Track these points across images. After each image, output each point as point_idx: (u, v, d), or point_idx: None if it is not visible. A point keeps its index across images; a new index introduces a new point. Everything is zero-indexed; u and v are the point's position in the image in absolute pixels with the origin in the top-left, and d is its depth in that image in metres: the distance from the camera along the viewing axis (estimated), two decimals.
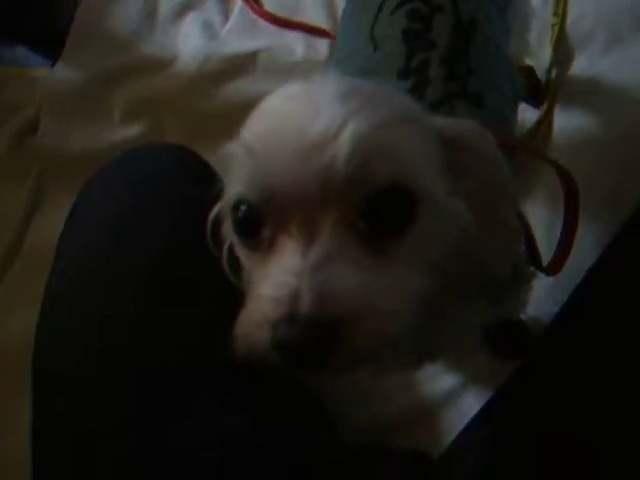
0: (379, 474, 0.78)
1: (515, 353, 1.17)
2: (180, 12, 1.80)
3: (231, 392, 0.79)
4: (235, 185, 0.59)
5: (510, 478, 0.86)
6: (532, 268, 0.90)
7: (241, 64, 1.65)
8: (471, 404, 1.17)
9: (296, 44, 1.66)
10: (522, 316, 1.15)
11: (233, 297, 0.63)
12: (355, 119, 0.54)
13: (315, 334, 0.50)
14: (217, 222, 0.68)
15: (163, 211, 0.88)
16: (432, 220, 0.57)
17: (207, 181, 0.66)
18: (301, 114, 0.55)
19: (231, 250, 0.68)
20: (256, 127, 0.59)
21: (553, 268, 0.89)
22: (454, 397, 1.19)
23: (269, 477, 0.74)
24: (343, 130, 0.53)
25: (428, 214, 0.57)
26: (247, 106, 1.63)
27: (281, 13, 1.73)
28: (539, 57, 1.44)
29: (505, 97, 0.92)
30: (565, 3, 1.48)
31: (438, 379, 1.20)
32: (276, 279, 0.54)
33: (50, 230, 1.00)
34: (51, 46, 1.77)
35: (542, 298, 1.16)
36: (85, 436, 0.75)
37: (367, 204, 0.54)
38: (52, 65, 1.75)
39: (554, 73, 1.43)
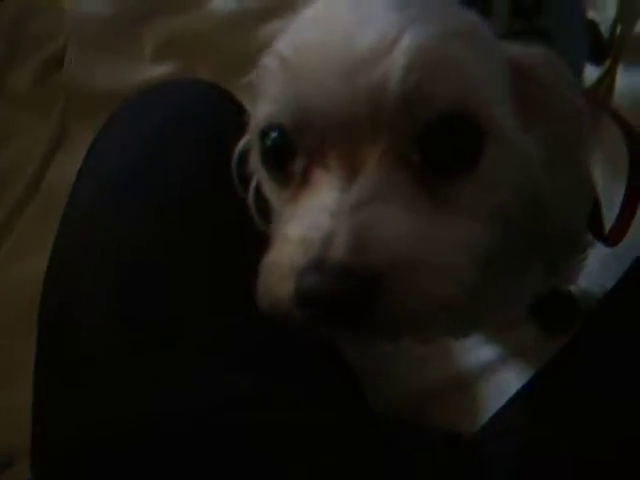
0: (409, 454, 0.75)
1: (562, 327, 1.09)
2: None
3: (253, 352, 0.74)
4: (265, 106, 0.50)
5: (548, 467, 0.80)
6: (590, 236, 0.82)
7: (281, 5, 1.56)
8: (510, 380, 1.10)
9: None
10: (572, 288, 1.10)
11: (260, 244, 0.52)
12: (413, 30, 0.45)
13: (348, 287, 0.41)
14: (243, 157, 0.60)
15: (185, 153, 0.83)
16: (500, 158, 0.48)
17: (237, 121, 0.59)
18: (348, 22, 0.46)
19: (259, 189, 0.59)
20: (294, 36, 0.50)
21: (613, 238, 0.81)
22: (492, 371, 1.13)
23: (291, 442, 0.70)
24: (398, 42, 0.44)
25: (496, 150, 0.48)
26: None
27: None
28: (604, 11, 1.38)
29: (577, 40, 0.85)
30: None
31: (476, 350, 1.15)
32: (307, 219, 0.45)
33: (71, 168, 0.95)
34: None
35: (595, 270, 1.09)
36: (92, 391, 0.72)
37: (425, 132, 0.46)
38: None
39: (619, 29, 1.34)
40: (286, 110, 0.48)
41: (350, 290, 0.41)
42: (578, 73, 0.87)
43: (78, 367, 0.73)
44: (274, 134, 0.49)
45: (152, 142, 0.85)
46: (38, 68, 1.62)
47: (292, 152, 0.49)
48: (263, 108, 0.50)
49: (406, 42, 0.44)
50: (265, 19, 1.56)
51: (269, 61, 0.49)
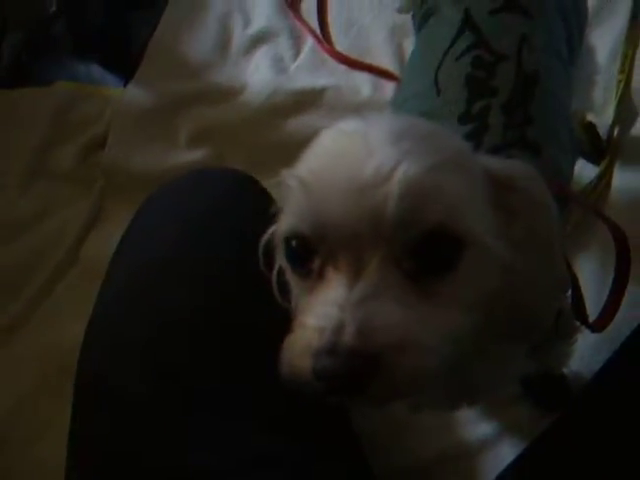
0: None
1: (555, 407, 1.17)
2: (252, 45, 1.83)
3: (270, 418, 0.81)
4: (289, 217, 0.61)
5: None
6: (577, 322, 0.89)
7: (307, 100, 1.66)
8: (506, 454, 1.16)
9: (363, 84, 1.68)
10: (565, 370, 1.14)
11: (280, 321, 0.64)
12: (407, 161, 0.55)
13: (356, 365, 0.52)
14: (269, 245, 0.69)
15: (216, 242, 0.90)
16: (478, 262, 0.59)
17: (264, 208, 0.68)
18: (354, 153, 0.57)
19: (280, 273, 0.70)
20: (311, 162, 0.60)
21: (599, 325, 0.88)
22: (489, 445, 1.18)
23: None
24: (395, 172, 0.55)
25: (474, 256, 0.58)
26: (310, 141, 1.66)
27: (351, 54, 1.74)
28: (603, 114, 1.44)
29: (563, 150, 0.92)
30: (632, 60, 1.48)
31: (476, 424, 1.20)
32: (321, 310, 0.56)
33: (106, 245, 1.02)
34: (125, 67, 1.83)
35: (586, 354, 1.16)
36: (122, 459, 0.77)
37: (415, 245, 0.56)
38: (124, 85, 1.81)
39: (616, 131, 1.43)
40: (306, 223, 0.58)
41: (358, 368, 0.52)
42: (566, 178, 0.94)
43: (115, 428, 0.78)
44: (296, 240, 0.61)
45: (186, 229, 0.90)
46: (80, 149, 1.71)
47: (311, 253, 0.60)
48: (287, 219, 0.61)
49: (401, 173, 0.54)
50: (291, 113, 1.65)
51: (291, 181, 0.59)
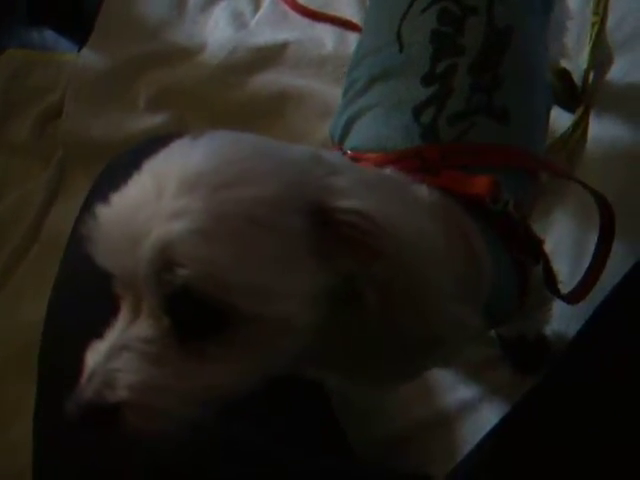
0: None
1: (534, 369, 1.13)
2: (210, 1, 1.78)
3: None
4: None
5: None
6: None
7: (270, 56, 1.62)
8: (487, 419, 1.12)
9: (326, 37, 1.63)
10: (545, 331, 1.12)
11: None
12: (172, 221, 0.53)
13: (91, 414, 0.55)
14: None
15: None
16: (252, 329, 0.56)
17: None
18: (140, 201, 0.56)
19: None
20: (113, 201, 0.59)
21: (575, 297, 0.86)
22: (470, 410, 1.16)
23: None
24: (150, 233, 0.53)
25: (244, 323, 0.55)
26: (274, 99, 1.62)
27: (312, 5, 1.69)
28: (576, 60, 1.39)
29: (534, 113, 0.88)
30: (606, 1, 1.41)
31: (455, 389, 1.17)
32: (96, 349, 0.57)
33: (68, 219, 1.00)
34: (79, 31, 1.77)
35: (567, 314, 1.13)
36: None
37: (169, 305, 0.55)
38: (79, 50, 1.74)
39: (591, 77, 1.38)
40: (98, 259, 0.59)
41: (93, 416, 0.55)
42: (537, 143, 0.89)
43: None
44: None
45: None
46: (36, 119, 1.66)
47: None
48: None
49: (156, 235, 0.53)
50: (252, 70, 1.61)
51: (94, 220, 0.58)
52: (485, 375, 1.17)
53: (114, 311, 0.78)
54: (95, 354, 0.57)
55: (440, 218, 0.68)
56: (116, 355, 0.55)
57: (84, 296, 0.86)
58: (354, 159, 0.78)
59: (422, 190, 0.71)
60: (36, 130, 1.66)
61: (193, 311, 0.54)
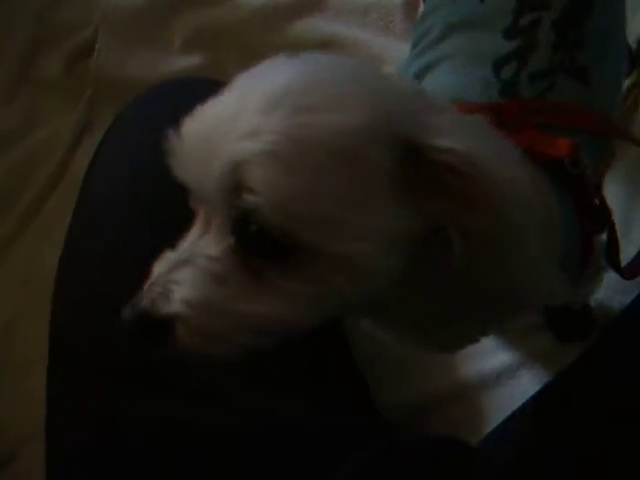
0: (411, 459, 0.79)
1: (577, 337, 1.12)
2: None
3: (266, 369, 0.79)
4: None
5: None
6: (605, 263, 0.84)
7: (313, 1, 1.57)
8: (525, 385, 1.11)
9: None
10: (589, 301, 1.10)
11: None
12: (247, 140, 0.51)
13: (144, 324, 0.55)
14: None
15: None
16: (319, 267, 0.53)
17: None
18: (218, 115, 0.55)
19: None
20: (195, 116, 0.57)
21: (630, 271, 0.84)
22: (508, 376, 1.14)
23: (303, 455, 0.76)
24: (227, 149, 0.52)
25: (312, 260, 0.53)
26: (316, 45, 1.57)
27: None
28: (631, 23, 1.33)
29: (614, 76, 0.85)
30: None
31: (494, 355, 1.15)
32: (163, 259, 0.57)
33: None
34: None
35: (613, 284, 1.11)
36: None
37: (236, 225, 0.54)
38: None
39: None
40: (178, 172, 0.58)
41: (145, 327, 0.54)
42: (614, 105, 0.87)
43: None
44: None
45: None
46: (67, 55, 1.61)
47: None
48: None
49: (232, 153, 0.51)
50: (294, 15, 1.56)
51: (173, 138, 0.57)
52: (525, 342, 1.15)
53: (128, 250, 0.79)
54: (162, 264, 0.57)
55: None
56: (179, 267, 0.55)
57: (99, 234, 0.86)
58: None
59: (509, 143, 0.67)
60: (66, 67, 1.60)
61: (258, 235, 0.52)
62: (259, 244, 0.53)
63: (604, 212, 0.79)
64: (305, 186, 0.51)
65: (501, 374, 1.14)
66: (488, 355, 1.15)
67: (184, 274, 0.55)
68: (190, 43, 1.57)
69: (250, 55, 1.48)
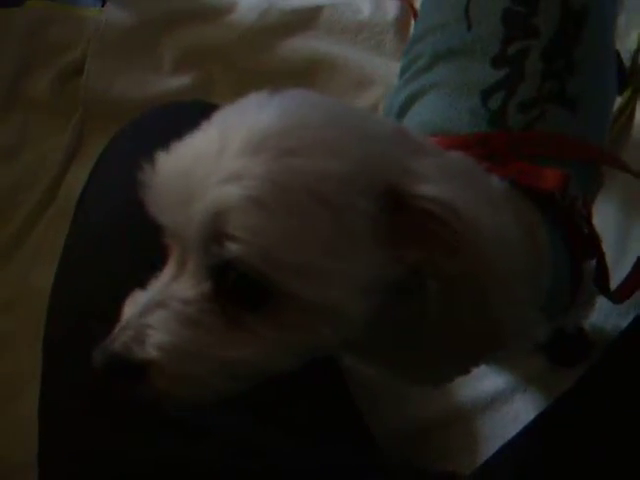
0: None
1: (571, 362, 1.11)
2: None
3: (262, 403, 0.77)
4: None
5: None
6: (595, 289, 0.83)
7: (303, 19, 1.56)
8: (518, 410, 1.10)
9: (363, 2, 1.57)
10: (583, 325, 1.09)
11: None
12: (232, 185, 0.50)
13: (117, 366, 0.53)
14: None
15: None
16: (296, 313, 0.53)
17: None
18: (197, 153, 0.53)
19: None
20: (174, 151, 0.56)
21: (620, 295, 0.83)
22: (501, 401, 1.12)
23: None
24: (205, 194, 0.51)
25: (289, 304, 0.52)
26: (306, 65, 1.56)
27: None
28: (625, 41, 1.35)
29: (605, 102, 0.85)
30: None
31: (487, 379, 1.14)
32: (134, 299, 0.56)
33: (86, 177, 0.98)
34: None
35: (606, 308, 1.11)
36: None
37: (214, 271, 0.53)
38: (102, 4, 1.67)
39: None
40: (152, 208, 0.56)
41: (116, 370, 0.53)
42: (604, 129, 0.86)
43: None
44: None
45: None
46: (57, 75, 1.60)
47: None
48: None
49: (213, 197, 0.50)
50: (284, 34, 1.55)
51: (149, 172, 0.56)
52: (519, 365, 1.14)
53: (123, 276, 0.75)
54: (133, 305, 0.56)
55: (511, 211, 0.64)
56: (152, 310, 0.54)
57: (95, 261, 0.85)
58: None
59: (493, 180, 0.66)
60: (55, 87, 1.59)
61: (237, 281, 0.52)
62: (236, 290, 0.52)
63: (593, 241, 0.78)
64: (289, 233, 0.50)
65: (495, 398, 1.12)
66: (482, 379, 1.14)
67: (158, 318, 0.53)
68: (180, 63, 1.56)
69: (240, 75, 1.51)
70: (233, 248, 0.49)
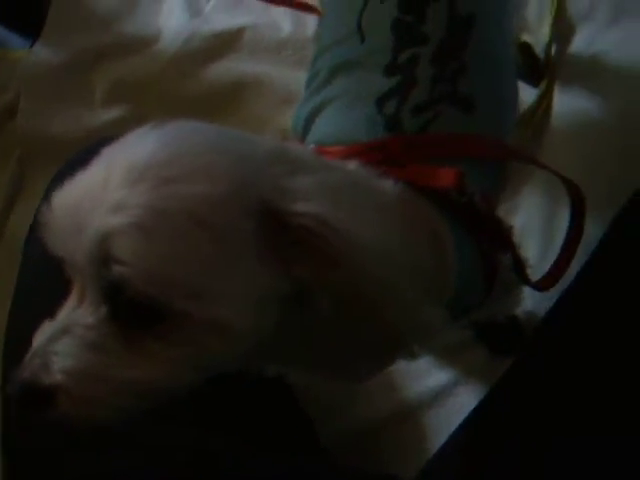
0: None
1: (509, 350, 1.14)
2: None
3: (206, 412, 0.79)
4: None
5: None
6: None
7: (226, 42, 1.59)
8: (463, 402, 1.13)
9: (283, 20, 1.59)
10: (517, 312, 1.11)
11: None
12: (114, 213, 0.53)
13: (27, 392, 0.56)
14: None
15: None
16: (188, 332, 0.55)
17: None
18: (84, 189, 0.56)
19: None
20: (58, 196, 0.58)
21: (545, 283, 0.86)
22: (446, 395, 1.15)
23: None
24: (94, 222, 0.53)
25: (181, 325, 0.55)
26: (233, 87, 1.58)
27: None
28: (538, 33, 1.37)
29: (501, 100, 0.87)
30: None
31: (430, 375, 1.17)
32: (42, 330, 0.58)
33: (31, 217, 0.96)
34: (30, 26, 1.71)
35: (537, 294, 1.12)
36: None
37: (108, 295, 0.55)
38: (31, 46, 1.69)
39: (553, 50, 1.36)
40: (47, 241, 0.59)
41: (27, 397, 0.56)
42: (506, 131, 0.88)
43: None
44: None
45: None
46: None
47: None
48: None
49: (97, 225, 0.53)
50: (208, 59, 1.58)
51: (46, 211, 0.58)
52: (460, 359, 1.17)
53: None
54: (41, 335, 0.58)
55: (405, 214, 0.67)
56: (57, 338, 0.56)
57: (46, 298, 0.84)
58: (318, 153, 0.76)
59: (387, 184, 0.69)
60: None
61: (129, 304, 0.54)
62: (131, 312, 0.54)
63: (502, 233, 0.80)
64: (171, 255, 0.52)
65: (440, 393, 1.15)
66: (425, 376, 1.16)
67: (62, 344, 0.56)
68: (110, 96, 1.58)
69: (170, 102, 1.52)
70: (119, 271, 0.51)
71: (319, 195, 0.56)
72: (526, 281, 0.85)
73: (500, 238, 0.80)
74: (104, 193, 0.53)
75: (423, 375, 1.16)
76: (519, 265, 0.83)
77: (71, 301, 0.58)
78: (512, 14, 0.95)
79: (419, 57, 0.80)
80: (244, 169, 0.57)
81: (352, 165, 0.69)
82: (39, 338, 0.57)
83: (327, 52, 0.88)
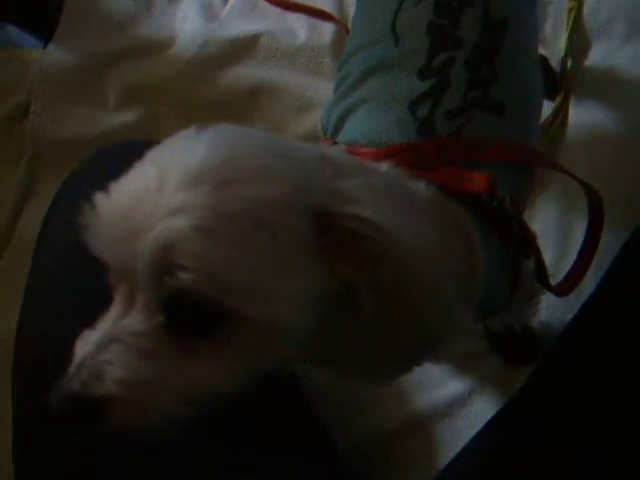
0: None
1: (524, 360, 1.13)
2: None
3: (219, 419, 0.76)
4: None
5: None
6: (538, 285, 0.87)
7: (241, 48, 1.58)
8: (477, 412, 1.13)
9: (299, 27, 1.59)
10: (532, 323, 1.12)
11: None
12: (177, 217, 0.52)
13: (77, 405, 0.54)
14: None
15: None
16: (247, 332, 0.55)
17: None
18: (142, 192, 0.55)
19: None
20: (114, 189, 0.58)
21: (564, 289, 0.87)
22: (460, 405, 1.15)
23: None
24: (151, 228, 0.52)
25: (240, 326, 0.55)
26: (248, 92, 1.58)
27: None
28: (554, 46, 1.38)
29: (529, 106, 0.88)
30: None
31: (444, 384, 1.16)
32: (85, 338, 0.57)
33: (41, 219, 0.98)
34: (44, 26, 1.70)
35: (553, 305, 1.14)
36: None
37: (166, 302, 0.54)
38: (44, 46, 1.67)
39: (569, 63, 1.37)
40: (94, 247, 0.58)
41: (74, 409, 0.54)
42: (534, 134, 0.89)
43: None
44: None
45: None
46: (3, 119, 1.60)
47: None
48: None
49: (159, 229, 0.52)
50: (224, 64, 1.57)
51: (89, 214, 0.57)
52: (474, 368, 1.16)
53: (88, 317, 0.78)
54: (85, 344, 0.56)
55: (438, 216, 0.68)
56: (106, 347, 0.55)
57: (56, 304, 0.85)
58: (350, 154, 0.76)
59: (420, 187, 0.69)
60: (3, 131, 1.60)
61: (188, 310, 0.53)
62: (188, 318, 0.54)
63: (527, 237, 0.81)
64: (234, 257, 0.52)
65: (453, 403, 1.15)
66: (439, 385, 1.16)
67: (114, 353, 0.55)
68: (124, 99, 1.57)
69: (184, 106, 1.52)
70: (185, 277, 0.51)
71: (364, 198, 0.57)
72: (547, 286, 0.86)
73: (526, 243, 0.81)
74: (161, 197, 0.53)
75: (437, 385, 1.16)
76: (542, 270, 0.84)
77: (116, 309, 0.57)
78: (539, 21, 0.96)
79: (454, 61, 0.80)
80: (296, 172, 0.57)
81: (384, 166, 0.69)
82: (84, 348, 0.56)
83: (359, 53, 0.88)
